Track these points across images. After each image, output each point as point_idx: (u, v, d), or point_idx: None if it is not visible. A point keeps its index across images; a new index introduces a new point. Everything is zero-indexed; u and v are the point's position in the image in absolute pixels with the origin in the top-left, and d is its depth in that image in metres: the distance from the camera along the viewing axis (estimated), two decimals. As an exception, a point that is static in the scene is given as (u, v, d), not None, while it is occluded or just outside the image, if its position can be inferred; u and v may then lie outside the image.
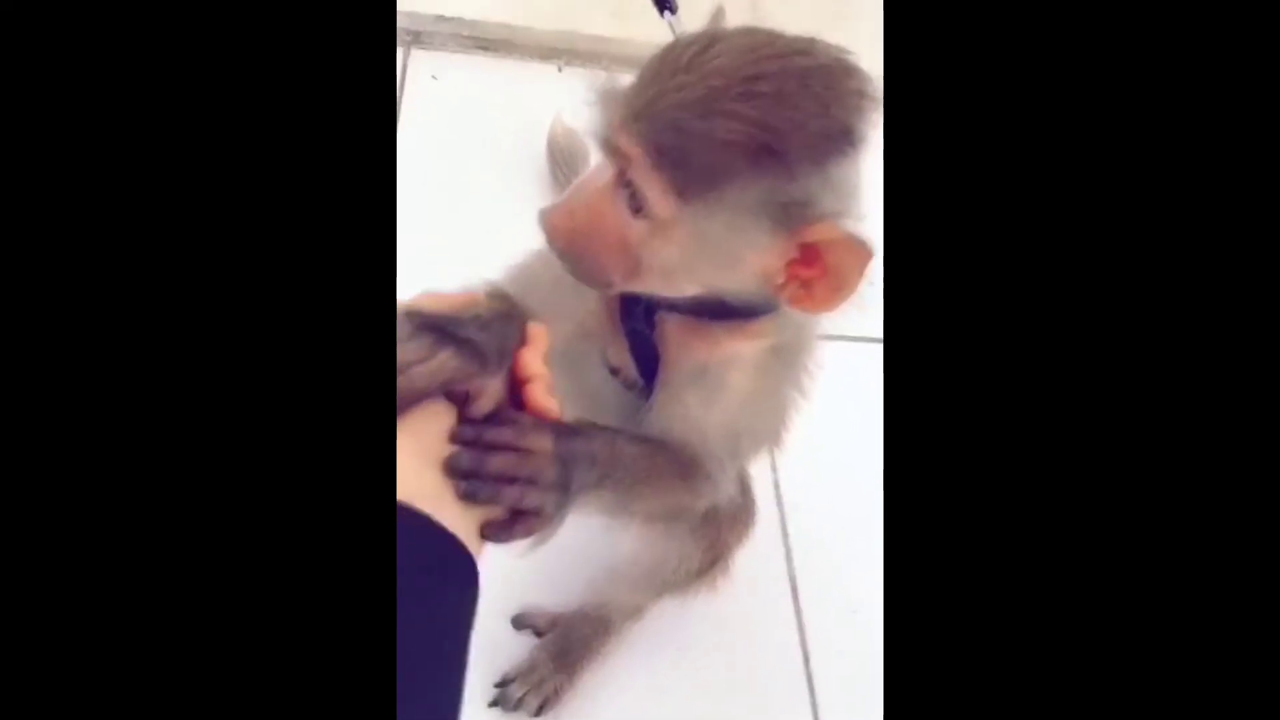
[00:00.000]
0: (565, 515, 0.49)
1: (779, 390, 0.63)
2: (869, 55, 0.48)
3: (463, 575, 0.42)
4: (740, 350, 0.59)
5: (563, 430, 0.50)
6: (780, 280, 0.51)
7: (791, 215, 0.48)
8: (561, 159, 1.22)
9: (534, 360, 0.50)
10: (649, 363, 0.62)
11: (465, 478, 0.44)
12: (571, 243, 0.53)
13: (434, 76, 1.36)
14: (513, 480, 0.46)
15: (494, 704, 0.86)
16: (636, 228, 0.50)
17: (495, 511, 0.46)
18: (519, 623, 0.91)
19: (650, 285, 0.54)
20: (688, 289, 0.54)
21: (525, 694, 0.86)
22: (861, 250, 0.47)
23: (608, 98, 0.50)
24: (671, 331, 0.60)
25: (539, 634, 0.90)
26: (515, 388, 0.50)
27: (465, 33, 1.39)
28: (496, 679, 0.87)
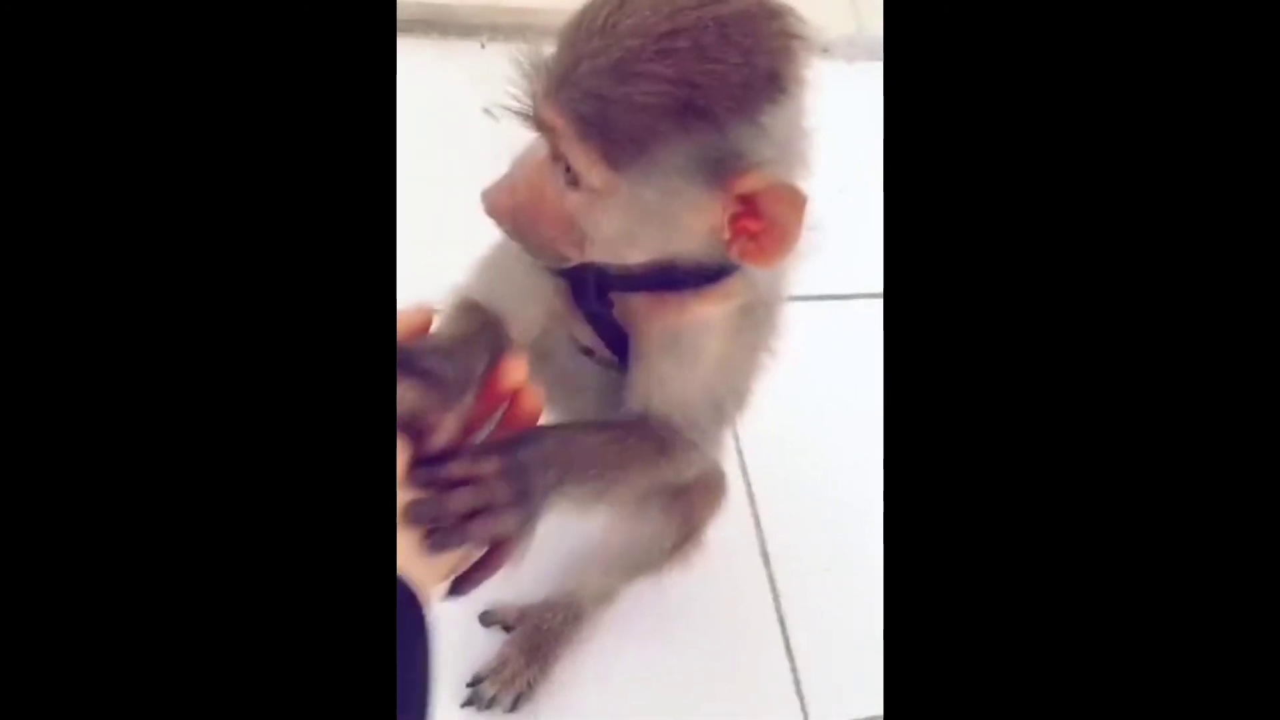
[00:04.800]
0: (534, 528, 0.48)
1: (755, 349, 0.62)
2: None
3: (413, 625, 0.40)
4: (710, 314, 0.57)
5: (506, 444, 0.48)
6: (728, 236, 0.49)
7: (725, 169, 0.46)
8: None
9: (518, 372, 0.50)
10: (617, 340, 0.60)
11: (430, 530, 0.43)
12: (515, 220, 0.51)
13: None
14: (473, 514, 0.44)
15: (467, 704, 0.83)
16: (575, 200, 0.48)
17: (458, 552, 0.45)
18: (486, 619, 0.88)
19: (601, 256, 0.52)
20: (637, 257, 0.52)
21: (498, 691, 0.83)
22: (794, 196, 0.46)
23: (532, 69, 0.47)
24: (635, 305, 0.58)
25: (507, 629, 0.87)
26: (499, 401, 0.50)
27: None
28: (468, 678, 0.84)
